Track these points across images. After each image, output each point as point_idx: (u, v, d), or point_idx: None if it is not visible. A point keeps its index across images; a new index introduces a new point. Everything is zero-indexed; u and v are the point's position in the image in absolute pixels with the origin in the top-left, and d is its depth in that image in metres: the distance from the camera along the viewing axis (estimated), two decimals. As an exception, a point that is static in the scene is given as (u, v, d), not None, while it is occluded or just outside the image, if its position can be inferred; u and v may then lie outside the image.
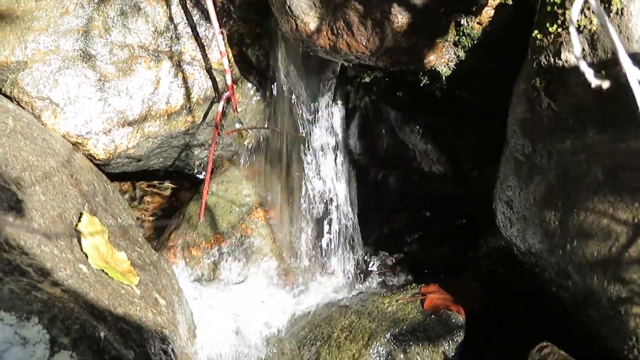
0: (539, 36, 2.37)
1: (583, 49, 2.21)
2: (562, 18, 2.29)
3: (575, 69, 2.22)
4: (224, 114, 3.24)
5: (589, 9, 2.19)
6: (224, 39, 3.14)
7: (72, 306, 2.15)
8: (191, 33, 3.20)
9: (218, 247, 3.28)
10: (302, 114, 3.29)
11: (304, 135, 3.30)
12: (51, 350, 2.02)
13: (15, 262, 2.17)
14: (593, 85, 1.17)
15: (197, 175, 3.59)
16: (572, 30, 1.17)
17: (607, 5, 2.16)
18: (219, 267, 3.25)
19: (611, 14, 2.15)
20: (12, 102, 3.01)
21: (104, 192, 3.03)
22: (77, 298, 2.25)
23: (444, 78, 2.80)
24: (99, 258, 2.56)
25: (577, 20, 2.21)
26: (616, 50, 1.23)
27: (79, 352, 2.05)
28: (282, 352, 2.97)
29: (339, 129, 3.35)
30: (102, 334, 2.14)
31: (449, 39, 2.68)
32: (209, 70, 3.23)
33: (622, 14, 2.14)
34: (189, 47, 3.21)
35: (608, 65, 2.14)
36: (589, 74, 1.18)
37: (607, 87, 1.14)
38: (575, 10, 1.20)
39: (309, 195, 3.35)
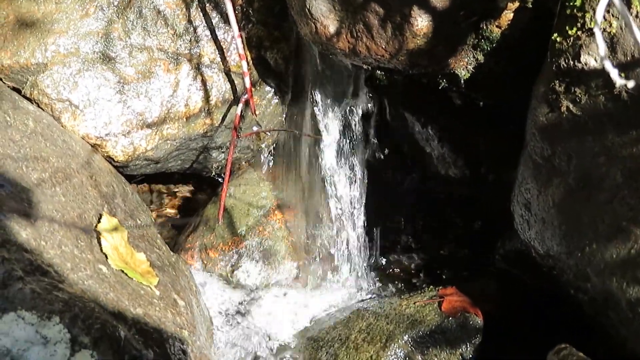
0: (558, 39, 2.37)
1: (603, 51, 2.21)
2: (581, 21, 2.29)
3: (595, 71, 2.22)
4: (242, 116, 3.25)
5: (608, 11, 2.19)
6: (242, 42, 3.14)
7: (93, 306, 2.16)
8: (210, 36, 3.21)
9: (236, 249, 3.29)
10: (319, 116, 3.29)
11: (321, 137, 3.30)
12: (72, 349, 2.03)
13: (37, 262, 2.19)
14: (617, 85, 1.18)
15: (215, 178, 3.60)
16: (597, 30, 1.17)
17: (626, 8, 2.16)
18: (237, 269, 3.26)
19: (630, 17, 2.15)
20: (32, 103, 3.03)
21: (122, 194, 3.05)
22: (97, 298, 2.26)
23: (462, 81, 2.81)
24: (118, 259, 2.57)
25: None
26: (640, 50, 1.23)
27: (100, 351, 2.06)
28: (299, 353, 2.98)
29: (356, 131, 3.35)
30: (122, 334, 2.16)
31: (468, 42, 2.68)
32: (227, 73, 3.24)
33: (642, 16, 2.14)
34: (207, 50, 3.22)
35: (628, 68, 2.14)
36: (614, 73, 1.19)
37: (631, 87, 1.14)
38: (600, 10, 1.21)
39: (326, 197, 3.36)
